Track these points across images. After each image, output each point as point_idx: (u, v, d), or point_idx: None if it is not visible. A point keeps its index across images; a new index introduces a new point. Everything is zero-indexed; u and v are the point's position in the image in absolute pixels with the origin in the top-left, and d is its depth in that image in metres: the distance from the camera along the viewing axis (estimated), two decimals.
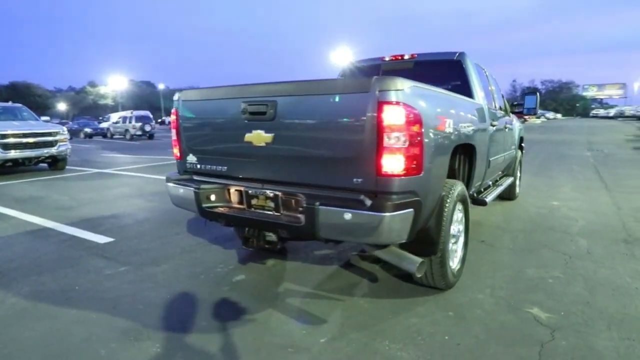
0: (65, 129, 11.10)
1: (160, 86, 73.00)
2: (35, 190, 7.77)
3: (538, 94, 5.64)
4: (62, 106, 65.63)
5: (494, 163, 4.26)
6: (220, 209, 2.86)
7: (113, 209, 5.96)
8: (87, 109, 68.20)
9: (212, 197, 2.87)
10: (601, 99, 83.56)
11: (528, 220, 5.03)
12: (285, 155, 2.55)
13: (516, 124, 5.95)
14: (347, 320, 2.65)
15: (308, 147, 2.45)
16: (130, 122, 26.96)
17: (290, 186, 2.57)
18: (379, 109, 2.14)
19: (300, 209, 2.41)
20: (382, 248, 2.57)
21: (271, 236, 2.76)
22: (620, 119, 49.27)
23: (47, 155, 10.09)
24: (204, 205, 2.85)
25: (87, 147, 20.28)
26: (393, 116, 2.13)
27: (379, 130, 2.15)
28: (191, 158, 3.08)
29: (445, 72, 4.12)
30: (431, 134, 2.35)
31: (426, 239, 2.59)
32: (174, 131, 3.18)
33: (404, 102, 2.13)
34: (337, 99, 2.31)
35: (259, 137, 2.59)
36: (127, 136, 26.99)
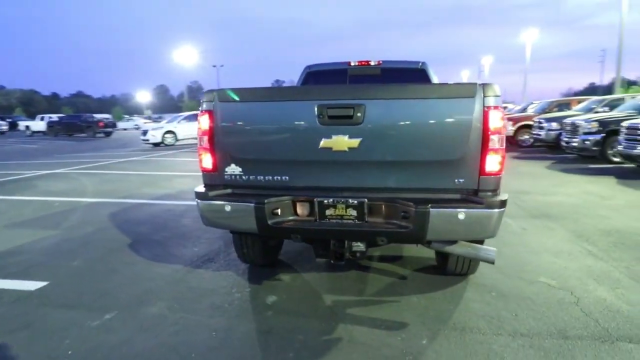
0: None
1: None
2: None
3: None
4: None
5: None
6: (289, 223, 2.54)
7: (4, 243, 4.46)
8: None
9: (279, 211, 2.53)
10: None
11: None
12: (374, 160, 2.44)
13: None
14: (423, 319, 2.71)
15: (404, 152, 2.41)
16: None
17: (380, 192, 2.48)
18: (485, 113, 2.29)
19: (404, 213, 2.36)
20: (451, 244, 2.67)
21: (359, 246, 2.59)
22: None
23: None
24: (270, 221, 2.48)
25: None
26: (496, 120, 2.30)
27: (484, 132, 2.30)
28: (233, 169, 2.62)
29: (412, 78, 4.50)
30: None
31: None
32: (204, 138, 2.64)
33: (500, 106, 2.34)
34: (437, 104, 2.36)
35: (341, 142, 2.41)
36: None
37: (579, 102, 14.76)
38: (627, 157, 8.73)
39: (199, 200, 2.66)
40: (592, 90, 66.18)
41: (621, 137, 8.87)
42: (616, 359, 2.22)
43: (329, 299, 3.03)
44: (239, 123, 2.58)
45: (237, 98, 2.56)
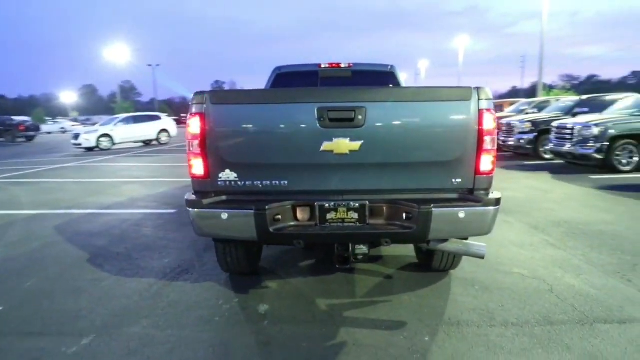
0: None
1: None
2: None
3: None
4: None
5: None
6: (291, 229, 2.46)
7: None
8: None
9: (280, 217, 2.44)
10: None
11: None
12: (375, 163, 2.45)
13: None
14: (419, 316, 2.77)
15: (404, 154, 2.44)
16: None
17: (379, 194, 2.49)
18: (480, 115, 2.40)
19: (408, 214, 2.39)
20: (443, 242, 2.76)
21: (362, 248, 2.57)
22: None
23: None
24: (271, 228, 2.39)
25: None
26: (490, 121, 2.42)
27: (479, 134, 2.41)
28: (227, 175, 2.49)
29: (382, 81, 4.60)
30: None
31: None
32: (194, 142, 2.48)
33: (493, 109, 2.46)
34: (436, 106, 2.42)
35: (342, 145, 2.39)
36: None
37: (511, 104, 16.05)
38: (557, 154, 9.65)
39: (191, 209, 2.49)
40: (514, 93, 72.28)
41: (551, 136, 9.78)
42: (598, 339, 2.43)
43: (323, 303, 3.00)
44: (234, 126, 2.46)
45: (231, 100, 2.45)
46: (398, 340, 2.49)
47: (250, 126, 2.46)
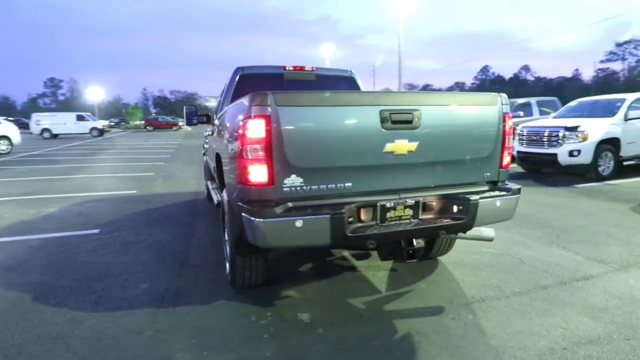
0: None
1: None
2: None
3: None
4: None
5: None
6: (363, 230, 2.45)
7: None
8: None
9: (351, 220, 2.40)
10: None
11: None
12: (427, 161, 2.62)
13: None
14: (448, 299, 3.06)
15: (450, 152, 2.68)
16: None
17: (429, 190, 2.68)
18: (503, 118, 2.80)
19: (460, 207, 2.63)
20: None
21: (420, 242, 2.69)
22: None
23: None
24: (347, 231, 2.34)
25: None
26: (509, 123, 2.85)
27: (504, 133, 2.82)
28: (293, 180, 2.33)
29: (343, 85, 4.80)
30: None
31: None
32: (255, 147, 2.25)
33: (509, 113, 2.90)
34: (473, 110, 2.73)
35: (402, 146, 2.51)
36: None
37: None
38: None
39: (258, 219, 2.27)
40: None
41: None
42: (583, 293, 3.09)
43: (356, 302, 3.05)
44: (302, 129, 2.35)
45: (299, 102, 2.33)
46: (450, 322, 2.73)
47: (318, 129, 2.38)
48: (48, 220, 5.74)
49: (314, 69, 4.70)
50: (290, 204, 2.34)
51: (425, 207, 2.70)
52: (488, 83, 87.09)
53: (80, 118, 30.92)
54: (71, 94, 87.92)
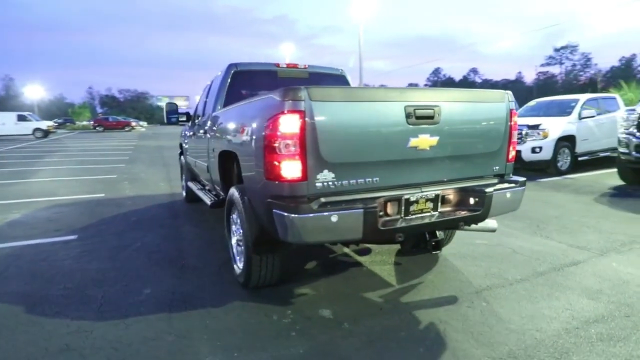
0: None
1: None
2: None
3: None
4: None
5: None
6: (393, 224, 2.49)
7: None
8: None
9: (382, 214, 2.43)
10: None
11: None
12: (446, 155, 2.71)
13: None
14: (458, 289, 3.18)
15: (465, 146, 2.79)
16: None
17: (447, 183, 2.77)
18: (511, 115, 2.96)
19: (477, 199, 2.74)
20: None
21: (441, 234, 2.77)
22: None
23: None
24: (379, 225, 2.37)
25: None
26: (515, 119, 3.02)
27: (510, 129, 2.97)
28: (325, 176, 2.32)
29: (336, 82, 4.84)
30: None
31: None
32: (290, 142, 2.22)
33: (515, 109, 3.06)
34: (485, 106, 2.85)
35: (425, 141, 2.58)
36: None
37: None
38: None
39: (294, 215, 2.24)
40: None
41: None
42: (577, 277, 3.33)
43: (372, 296, 3.10)
44: (336, 124, 2.35)
45: (332, 98, 2.33)
46: (467, 310, 2.84)
47: (349, 124, 2.40)
48: (15, 227, 5.30)
49: (307, 66, 4.70)
50: (323, 199, 2.34)
51: (444, 200, 2.80)
52: (440, 84, 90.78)
53: (21, 118, 28.67)
54: (6, 92, 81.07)
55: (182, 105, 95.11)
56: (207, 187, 5.33)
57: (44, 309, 2.96)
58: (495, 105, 2.95)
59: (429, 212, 2.72)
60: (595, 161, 9.25)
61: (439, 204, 2.76)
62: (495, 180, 3.00)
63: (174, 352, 2.40)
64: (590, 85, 49.69)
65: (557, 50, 77.13)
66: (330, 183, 2.38)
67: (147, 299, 3.11)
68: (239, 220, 3.14)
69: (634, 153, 6.45)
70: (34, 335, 2.60)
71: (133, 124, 40.60)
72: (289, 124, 2.26)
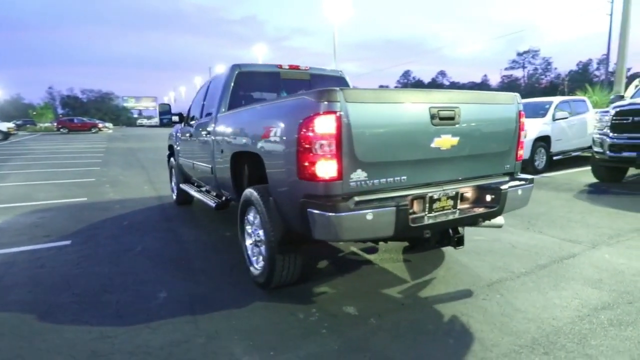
0: None
1: None
2: None
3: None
4: None
5: None
6: (421, 221, 2.58)
7: None
8: None
9: (411, 211, 2.51)
10: (140, 110, 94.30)
11: None
12: (465, 155, 2.83)
13: None
14: (470, 283, 3.31)
15: (482, 146, 2.91)
16: None
17: (465, 182, 2.89)
18: (520, 116, 3.12)
19: (493, 196, 2.87)
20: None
21: (462, 230, 2.87)
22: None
23: None
24: (410, 221, 2.45)
25: None
26: (523, 120, 3.18)
27: (519, 129, 3.13)
28: (359, 175, 2.37)
29: (336, 84, 4.90)
30: None
31: None
32: (326, 142, 2.26)
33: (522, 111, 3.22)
34: (498, 107, 2.99)
35: (447, 141, 2.69)
36: None
37: None
38: None
39: (331, 214, 2.28)
40: None
41: None
42: (577, 269, 3.54)
43: (391, 292, 3.17)
44: (369, 125, 2.41)
45: (366, 99, 2.39)
46: (484, 302, 2.97)
47: (380, 124, 2.47)
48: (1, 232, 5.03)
49: (308, 68, 4.74)
50: (356, 198, 2.39)
51: (462, 198, 2.92)
52: (410, 87, 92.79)
53: None
54: None
55: (150, 106, 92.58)
56: (205, 189, 5.27)
57: (57, 317, 2.86)
58: (506, 106, 3.10)
59: (449, 209, 2.83)
60: (568, 160, 9.78)
61: (458, 201, 2.87)
62: (507, 178, 3.15)
63: (208, 354, 2.38)
64: (551, 89, 52.22)
65: (520, 54, 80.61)
66: (363, 182, 2.44)
67: (166, 303, 3.05)
68: (257, 221, 3.14)
69: (608, 152, 6.87)
70: (55, 343, 2.51)
71: (100, 125, 39.13)
72: (326, 124, 2.31)
